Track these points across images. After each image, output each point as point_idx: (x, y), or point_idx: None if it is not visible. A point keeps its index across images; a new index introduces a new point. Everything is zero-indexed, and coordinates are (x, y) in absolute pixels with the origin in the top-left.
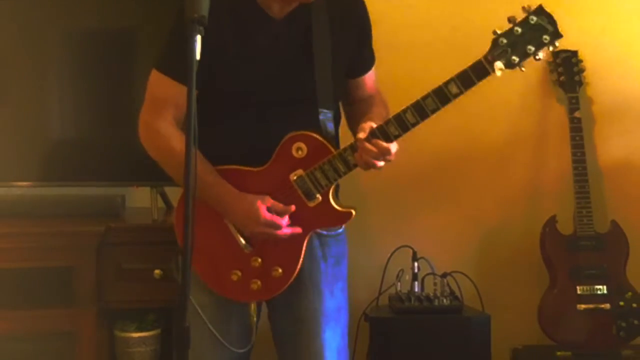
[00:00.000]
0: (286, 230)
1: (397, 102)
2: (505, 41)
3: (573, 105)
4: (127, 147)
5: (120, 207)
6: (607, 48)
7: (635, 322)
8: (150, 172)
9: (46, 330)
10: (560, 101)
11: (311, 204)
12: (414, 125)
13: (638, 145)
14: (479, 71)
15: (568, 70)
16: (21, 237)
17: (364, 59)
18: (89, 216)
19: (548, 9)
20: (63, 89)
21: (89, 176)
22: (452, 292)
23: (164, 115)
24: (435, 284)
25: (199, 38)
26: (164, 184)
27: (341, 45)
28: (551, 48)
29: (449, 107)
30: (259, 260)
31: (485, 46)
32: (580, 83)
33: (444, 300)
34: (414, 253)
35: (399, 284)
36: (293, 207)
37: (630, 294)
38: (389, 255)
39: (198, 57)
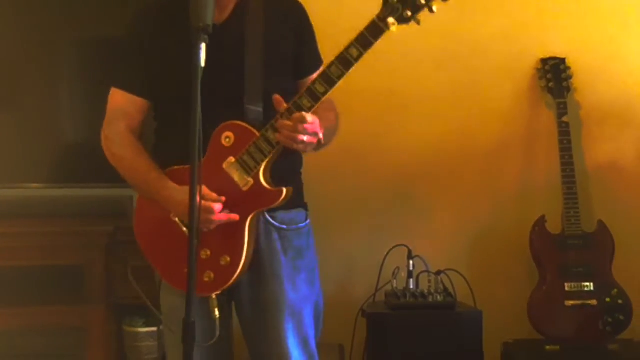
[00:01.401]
0: (221, 216)
1: (393, 109)
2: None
3: (561, 110)
4: None
5: (129, 207)
6: (594, 56)
7: (621, 317)
8: None
9: (58, 325)
10: (549, 106)
11: (245, 188)
12: (323, 94)
13: (623, 148)
14: (373, 30)
15: (556, 77)
16: (33, 237)
17: (309, 59)
18: (99, 216)
19: (539, 19)
20: (73, 95)
21: (98, 178)
22: (445, 289)
23: (116, 124)
24: (429, 281)
25: (203, 46)
26: None
27: (277, 47)
28: None
29: (446, 111)
30: (208, 252)
31: (479, 59)
32: (568, 89)
33: (438, 297)
34: (409, 251)
35: (395, 281)
36: (223, 198)
37: (615, 290)
38: (385, 253)
39: (203, 64)
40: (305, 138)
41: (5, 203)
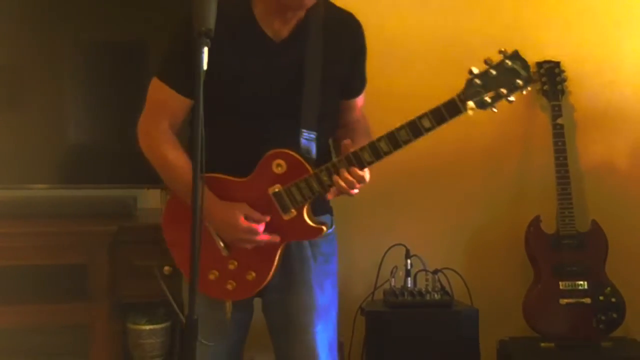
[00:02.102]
0: (264, 237)
1: (392, 110)
2: (479, 82)
3: (556, 112)
4: (139, 152)
5: (132, 208)
6: (588, 59)
7: (614, 315)
8: (160, 176)
9: (63, 323)
10: (544, 109)
11: (286, 217)
12: (386, 154)
13: (616, 149)
14: (451, 109)
15: (551, 80)
16: (39, 236)
17: (357, 81)
18: (103, 216)
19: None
20: (79, 98)
21: (102, 179)
22: (442, 288)
23: (160, 122)
24: (427, 279)
25: (206, 50)
26: None
27: (334, 68)
28: (524, 92)
29: None
30: (235, 263)
31: (476, 58)
32: (563, 92)
33: (435, 295)
34: (407, 251)
35: (393, 279)
36: (268, 217)
37: (609, 289)
38: (383, 252)
39: (205, 67)
40: (356, 192)
41: (12, 203)
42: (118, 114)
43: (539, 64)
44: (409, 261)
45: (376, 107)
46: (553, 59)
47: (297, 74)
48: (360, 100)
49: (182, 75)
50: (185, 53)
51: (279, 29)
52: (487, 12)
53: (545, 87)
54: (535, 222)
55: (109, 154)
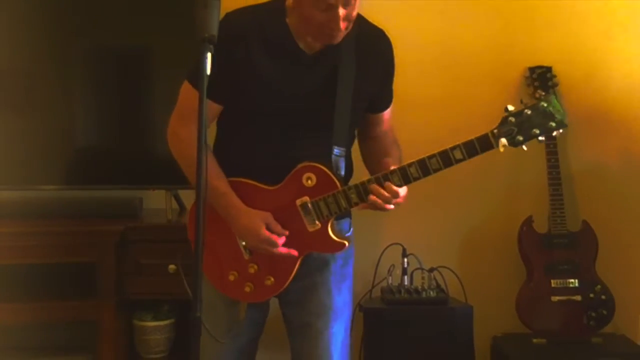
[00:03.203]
0: (282, 250)
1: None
2: (513, 120)
3: None
4: (145, 154)
5: (138, 208)
6: (579, 64)
7: (604, 312)
8: (165, 177)
9: (72, 319)
10: None
11: (310, 229)
12: (415, 179)
13: (606, 152)
14: (484, 143)
15: (543, 84)
16: (48, 236)
17: (385, 96)
18: (110, 217)
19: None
20: (87, 102)
21: (109, 180)
22: (438, 285)
23: (189, 124)
24: (423, 277)
25: (209, 55)
26: (177, 187)
27: (364, 85)
28: (554, 134)
29: (439, 116)
30: (255, 267)
31: (471, 66)
32: (555, 96)
33: (431, 293)
34: (404, 250)
35: (390, 277)
36: (287, 232)
37: (599, 287)
38: (381, 251)
39: (208, 72)
40: (392, 207)
41: (23, 204)
42: (125, 118)
43: (531, 69)
44: (405, 260)
45: None
46: (545, 64)
47: (330, 88)
48: (387, 114)
49: (214, 80)
50: (221, 58)
51: (311, 42)
52: (482, 20)
53: (538, 91)
54: (528, 222)
55: (115, 156)
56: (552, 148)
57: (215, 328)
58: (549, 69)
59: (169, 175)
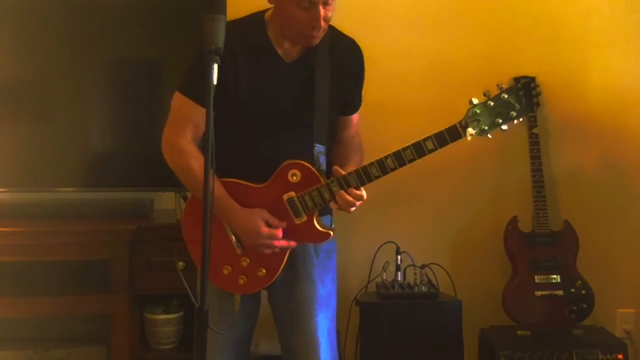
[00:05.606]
0: (282, 242)
1: (381, 124)
2: (478, 112)
3: (532, 123)
4: (156, 158)
5: (150, 209)
6: (561, 74)
7: (584, 306)
8: (175, 179)
9: (87, 312)
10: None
11: (297, 222)
12: (392, 169)
13: (586, 156)
14: (453, 133)
15: (527, 94)
16: (65, 235)
17: (356, 99)
18: (123, 217)
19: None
20: (101, 108)
21: (122, 183)
22: (429, 281)
23: (184, 133)
24: (415, 274)
25: (215, 67)
26: (186, 189)
27: (339, 88)
28: (516, 122)
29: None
30: (247, 260)
31: (459, 77)
32: (538, 104)
33: (423, 288)
34: (397, 248)
35: (384, 274)
36: (285, 223)
37: (580, 282)
38: (376, 249)
39: (215, 82)
40: (354, 209)
41: (41, 205)
42: (137, 124)
43: (517, 79)
44: (399, 257)
45: (369, 114)
46: (529, 75)
47: (308, 92)
48: (355, 118)
49: (203, 89)
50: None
51: (289, 49)
52: (469, 33)
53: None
54: (513, 221)
55: (128, 160)
56: (535, 153)
57: (212, 320)
58: (532, 79)
59: (178, 178)
